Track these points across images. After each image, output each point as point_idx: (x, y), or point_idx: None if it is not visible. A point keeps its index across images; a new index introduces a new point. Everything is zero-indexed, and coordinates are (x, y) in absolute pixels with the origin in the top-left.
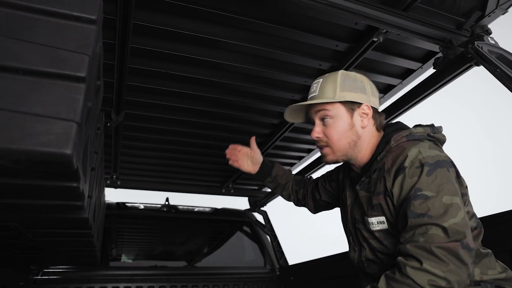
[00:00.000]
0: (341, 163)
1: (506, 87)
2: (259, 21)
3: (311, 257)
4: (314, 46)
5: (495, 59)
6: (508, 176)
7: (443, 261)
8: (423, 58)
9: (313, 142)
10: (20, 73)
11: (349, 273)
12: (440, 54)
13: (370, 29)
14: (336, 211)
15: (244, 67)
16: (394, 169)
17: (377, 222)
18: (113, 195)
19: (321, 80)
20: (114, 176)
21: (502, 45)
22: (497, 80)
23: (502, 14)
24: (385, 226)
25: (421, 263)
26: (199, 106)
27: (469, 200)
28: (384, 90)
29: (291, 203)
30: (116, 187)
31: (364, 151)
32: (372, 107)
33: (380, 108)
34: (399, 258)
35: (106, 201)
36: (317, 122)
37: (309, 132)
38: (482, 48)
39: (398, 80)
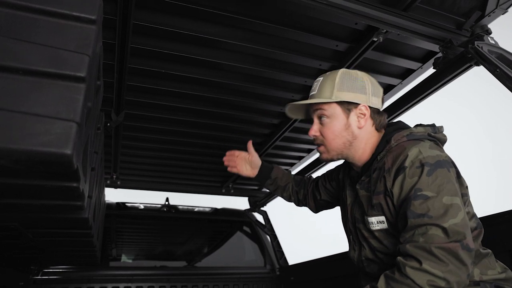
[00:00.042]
0: (342, 162)
1: (506, 87)
2: (259, 21)
3: (311, 257)
4: (314, 46)
5: (495, 59)
6: (508, 176)
7: (442, 262)
8: (423, 58)
9: (313, 142)
10: (20, 73)
11: (349, 273)
12: (440, 54)
13: (370, 29)
14: (337, 210)
15: (244, 67)
16: (394, 169)
17: (377, 222)
18: (113, 195)
19: (321, 78)
20: (114, 176)
21: (502, 45)
22: (497, 80)
23: (502, 14)
24: (385, 226)
25: (420, 263)
26: (199, 106)
27: (469, 201)
28: (384, 90)
29: (290, 204)
30: (116, 187)
31: (362, 151)
32: (371, 107)
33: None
34: (399, 258)
35: (106, 201)
36: (315, 120)
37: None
38: (482, 48)
39: (398, 80)
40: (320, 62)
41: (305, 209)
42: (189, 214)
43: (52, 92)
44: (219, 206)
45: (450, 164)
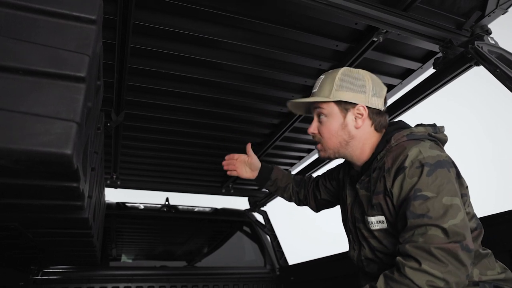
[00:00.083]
0: (343, 161)
1: (506, 87)
2: (259, 21)
3: (311, 257)
4: (314, 46)
5: (495, 59)
6: (508, 176)
7: (442, 262)
8: (423, 58)
9: (313, 142)
10: (20, 73)
11: (349, 273)
12: (440, 54)
13: (370, 29)
14: (337, 209)
15: (244, 67)
16: (394, 169)
17: (376, 222)
18: (113, 195)
19: (323, 76)
20: (114, 176)
21: (502, 45)
22: (497, 80)
23: (502, 14)
24: (384, 225)
25: (420, 263)
26: (199, 106)
27: (469, 201)
28: None
29: (291, 203)
30: (116, 187)
31: (360, 151)
32: (370, 107)
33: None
34: (398, 258)
35: (106, 201)
36: (315, 118)
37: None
38: (482, 48)
39: (398, 80)
40: (320, 62)
41: (305, 209)
42: (189, 214)
43: (52, 92)
44: (219, 206)
45: (450, 164)
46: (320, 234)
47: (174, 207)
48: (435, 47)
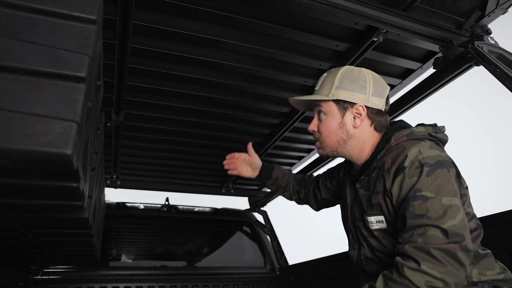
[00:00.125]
0: (343, 161)
1: (506, 87)
2: (259, 21)
3: (312, 256)
4: (314, 46)
5: (495, 59)
6: (508, 176)
7: (441, 263)
8: (423, 58)
9: (313, 142)
10: (20, 73)
11: (349, 273)
12: (440, 54)
13: (370, 29)
14: (337, 209)
15: (244, 67)
16: (393, 169)
17: (376, 221)
18: (113, 195)
19: (325, 75)
20: (114, 176)
21: (502, 45)
22: (497, 80)
23: (502, 14)
24: (383, 225)
25: (418, 264)
26: (199, 106)
27: (469, 201)
28: None
29: (291, 203)
30: (116, 187)
31: (359, 150)
32: (369, 107)
33: None
34: (397, 258)
35: (106, 201)
36: (315, 115)
37: (308, 132)
38: (482, 48)
39: (398, 80)
40: (320, 62)
41: (305, 209)
42: (189, 214)
43: (52, 92)
44: (219, 206)
45: (450, 164)
46: (320, 234)
47: (174, 207)
48: (435, 47)
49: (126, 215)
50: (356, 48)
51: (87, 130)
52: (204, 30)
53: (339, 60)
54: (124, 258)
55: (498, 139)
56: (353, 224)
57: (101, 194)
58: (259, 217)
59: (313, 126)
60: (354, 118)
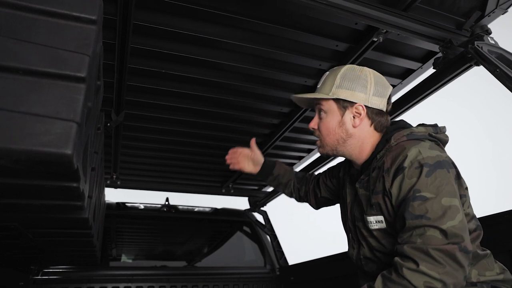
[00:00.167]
0: (343, 160)
1: (506, 87)
2: (259, 21)
3: (311, 257)
4: (314, 46)
5: (495, 59)
6: (508, 176)
7: (439, 263)
8: (423, 58)
9: (313, 142)
10: (20, 73)
11: (349, 273)
12: (440, 54)
13: (370, 29)
14: (337, 210)
15: (244, 67)
16: (393, 169)
17: (375, 221)
18: (113, 195)
19: (327, 73)
20: (114, 176)
21: (502, 45)
22: (497, 80)
23: (502, 14)
24: (383, 225)
25: (417, 264)
26: (198, 106)
27: (469, 202)
28: None
29: (291, 203)
30: (116, 187)
31: (359, 150)
32: (369, 107)
33: None
34: (396, 258)
35: (106, 201)
36: (316, 113)
37: (308, 132)
38: (482, 48)
39: (398, 80)
40: (320, 62)
41: (305, 209)
42: (189, 214)
43: (52, 92)
44: (219, 206)
45: (450, 164)
46: (320, 234)
47: (174, 207)
48: (435, 47)
49: (126, 215)
50: (356, 48)
51: (87, 130)
52: (204, 30)
53: (339, 60)
54: (124, 258)
55: (498, 139)
56: (352, 224)
57: (101, 194)
58: (259, 217)
59: (313, 124)
60: (353, 117)
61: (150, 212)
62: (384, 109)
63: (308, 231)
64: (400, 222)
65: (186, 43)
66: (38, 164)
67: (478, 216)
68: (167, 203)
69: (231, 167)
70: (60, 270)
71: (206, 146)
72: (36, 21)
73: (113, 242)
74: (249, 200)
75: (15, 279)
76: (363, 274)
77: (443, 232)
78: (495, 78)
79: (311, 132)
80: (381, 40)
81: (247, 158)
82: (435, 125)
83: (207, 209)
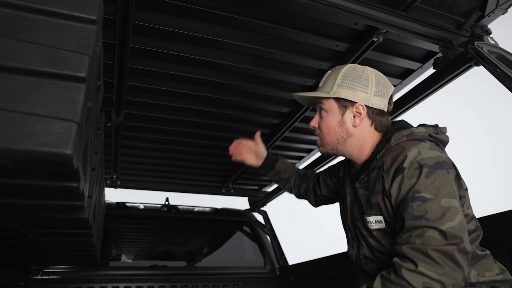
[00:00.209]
0: (343, 159)
1: (506, 87)
2: (259, 21)
3: (311, 257)
4: (314, 46)
5: (494, 59)
6: (508, 176)
7: (438, 264)
8: (423, 58)
9: (313, 142)
10: (20, 73)
11: (349, 273)
12: (440, 54)
13: (370, 29)
14: (337, 210)
15: (244, 67)
16: (393, 170)
17: (374, 221)
18: (113, 195)
19: (329, 72)
20: (114, 176)
21: (502, 45)
22: (497, 80)
23: (502, 14)
24: (382, 225)
25: (416, 265)
26: (198, 106)
27: (469, 203)
28: None
29: (291, 203)
30: (116, 187)
31: (359, 149)
32: (370, 107)
33: None
34: (395, 259)
35: (106, 201)
36: (317, 112)
37: (308, 132)
38: (482, 48)
39: (398, 80)
40: (320, 62)
41: (305, 209)
42: (189, 214)
43: (52, 92)
44: (219, 206)
45: (449, 165)
46: (320, 234)
47: (174, 207)
48: (435, 47)
49: (126, 215)
50: (356, 48)
51: (87, 130)
52: (204, 30)
53: (339, 60)
54: (124, 258)
55: (498, 139)
56: (352, 223)
57: (101, 194)
58: (259, 217)
59: (314, 123)
60: (354, 117)
61: (150, 212)
62: (385, 109)
63: (308, 231)
64: (399, 223)
65: (186, 43)
66: (38, 164)
67: (477, 216)
68: (167, 203)
69: (233, 158)
70: (60, 270)
71: (206, 146)
72: (36, 21)
73: (113, 242)
74: (249, 200)
75: (15, 279)
76: (362, 274)
77: (442, 233)
78: (495, 78)
79: (311, 132)
80: (381, 40)
81: (250, 151)
82: (436, 126)
83: (207, 209)
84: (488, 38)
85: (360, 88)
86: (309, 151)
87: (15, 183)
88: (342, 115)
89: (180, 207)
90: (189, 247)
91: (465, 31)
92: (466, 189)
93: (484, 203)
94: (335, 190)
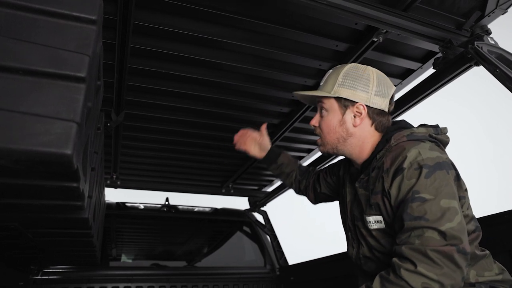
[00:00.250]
0: (344, 158)
1: (506, 87)
2: (259, 21)
3: (311, 257)
4: (314, 46)
5: (494, 59)
6: (508, 176)
7: (437, 265)
8: (423, 58)
9: (313, 142)
10: (20, 73)
11: (349, 273)
12: (440, 54)
13: (370, 29)
14: (337, 210)
15: (244, 67)
16: (392, 170)
17: (374, 221)
18: (113, 195)
19: (331, 71)
20: (114, 176)
21: (501, 45)
22: (497, 80)
23: (502, 14)
24: (382, 225)
25: (415, 265)
26: (198, 106)
27: (468, 203)
28: None
29: (291, 203)
30: (116, 187)
31: (359, 149)
32: (371, 107)
33: None
34: (394, 259)
35: (106, 201)
36: (318, 111)
37: (308, 132)
38: (481, 48)
39: (398, 80)
40: (320, 62)
41: (304, 209)
42: (189, 214)
43: (52, 92)
44: (219, 206)
45: (449, 166)
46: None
47: (174, 207)
48: (435, 47)
49: (126, 215)
50: (356, 48)
51: (87, 130)
52: (204, 30)
53: (339, 60)
54: (124, 258)
55: (498, 139)
56: (352, 223)
57: (101, 194)
58: (259, 217)
59: (314, 122)
60: (354, 116)
61: (150, 212)
62: (386, 109)
63: (308, 231)
64: (398, 223)
65: (186, 43)
66: (38, 164)
67: (477, 216)
68: (167, 203)
69: (237, 146)
70: (60, 270)
71: (206, 146)
72: (36, 21)
73: (113, 242)
74: (249, 200)
75: (15, 279)
76: (362, 273)
77: (442, 233)
78: (495, 78)
79: (311, 132)
80: (381, 40)
81: (254, 142)
82: (436, 126)
83: (207, 209)
84: (488, 38)
85: (361, 88)
86: (309, 151)
87: (15, 183)
88: (343, 114)
89: (180, 207)
90: (189, 247)
91: (465, 31)
92: (466, 189)
93: (484, 203)
94: (334, 189)
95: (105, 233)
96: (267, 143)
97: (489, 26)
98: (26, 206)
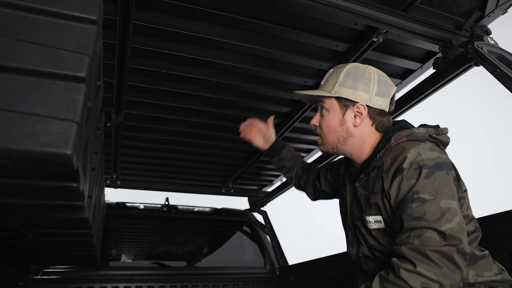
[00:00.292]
0: (344, 157)
1: (506, 87)
2: (259, 21)
3: (311, 257)
4: (314, 46)
5: (494, 59)
6: (508, 176)
7: (437, 265)
8: (423, 58)
9: (313, 142)
10: (20, 73)
11: (349, 273)
12: (440, 54)
13: (370, 29)
14: (337, 210)
15: (244, 67)
16: (392, 170)
17: (374, 221)
18: (113, 195)
19: (331, 70)
20: (114, 176)
21: (501, 45)
22: (497, 80)
23: (502, 14)
24: (381, 225)
25: (415, 266)
26: (198, 106)
27: (468, 204)
28: None
29: (291, 203)
30: (116, 187)
31: (359, 149)
32: (371, 107)
33: None
34: (394, 259)
35: (106, 201)
36: (319, 110)
37: (308, 132)
38: (481, 48)
39: (398, 80)
40: (320, 62)
41: (304, 209)
42: (189, 214)
43: (52, 92)
44: (219, 206)
45: (449, 166)
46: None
47: (174, 207)
48: (435, 47)
49: (126, 215)
50: (356, 48)
51: (87, 130)
52: (204, 30)
53: (339, 60)
54: (124, 258)
55: (498, 139)
56: (352, 222)
57: (101, 194)
58: (259, 217)
59: (315, 121)
60: (354, 116)
61: (150, 212)
62: (387, 109)
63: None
64: (398, 223)
65: (186, 43)
66: (38, 164)
67: (477, 216)
68: (167, 203)
69: (241, 135)
70: (60, 270)
71: (206, 146)
72: (36, 21)
73: (113, 242)
74: (249, 200)
75: (15, 279)
76: (361, 273)
77: (441, 233)
78: (495, 79)
79: (311, 132)
80: (381, 40)
81: (260, 133)
82: (437, 126)
83: (207, 209)
84: (488, 38)
85: (362, 88)
86: (309, 151)
87: (15, 183)
88: (343, 114)
89: (180, 207)
90: (189, 247)
91: (465, 31)
92: (466, 190)
93: (484, 203)
94: (334, 187)
95: (105, 233)
96: (272, 135)
97: (489, 26)
98: (26, 206)
